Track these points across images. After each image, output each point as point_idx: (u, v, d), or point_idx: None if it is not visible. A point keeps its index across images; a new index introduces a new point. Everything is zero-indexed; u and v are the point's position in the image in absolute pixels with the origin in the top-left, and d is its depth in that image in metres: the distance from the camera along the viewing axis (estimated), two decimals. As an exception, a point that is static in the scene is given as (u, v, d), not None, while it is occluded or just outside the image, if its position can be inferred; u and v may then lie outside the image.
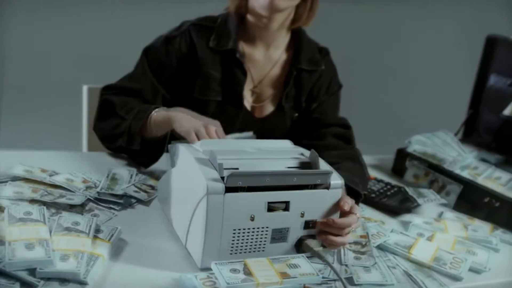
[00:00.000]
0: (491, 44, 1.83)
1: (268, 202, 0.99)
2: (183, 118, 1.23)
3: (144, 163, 1.36)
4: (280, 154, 1.10)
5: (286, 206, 1.01)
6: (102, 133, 1.40)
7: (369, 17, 3.05)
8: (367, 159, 1.44)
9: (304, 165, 1.09)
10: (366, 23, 3.07)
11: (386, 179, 1.57)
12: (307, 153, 1.12)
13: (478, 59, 1.85)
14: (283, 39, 1.50)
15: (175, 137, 1.25)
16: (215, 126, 1.21)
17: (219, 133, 1.20)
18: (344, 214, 1.07)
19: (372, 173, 1.59)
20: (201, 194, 0.95)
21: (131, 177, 1.28)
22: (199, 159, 1.01)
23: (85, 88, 1.70)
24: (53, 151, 1.40)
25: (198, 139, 1.15)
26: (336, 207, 1.06)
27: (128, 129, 1.31)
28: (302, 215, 1.03)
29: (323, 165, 1.09)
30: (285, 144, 1.18)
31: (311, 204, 1.03)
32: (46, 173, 1.22)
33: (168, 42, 1.44)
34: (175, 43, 1.44)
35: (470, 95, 1.88)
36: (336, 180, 1.06)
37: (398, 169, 1.66)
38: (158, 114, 1.29)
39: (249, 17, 1.45)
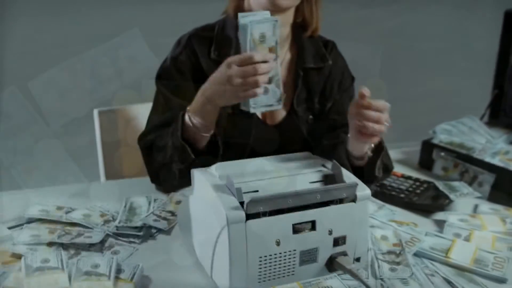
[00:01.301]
0: (511, 19, 1.75)
1: (293, 224, 0.94)
2: (214, 91, 1.18)
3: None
4: (301, 169, 1.05)
5: (312, 225, 0.95)
6: (155, 171, 1.33)
7: (382, 12, 2.99)
8: (391, 153, 1.37)
9: (327, 178, 1.03)
10: (381, 18, 3.00)
11: (414, 174, 1.50)
12: (329, 164, 1.07)
13: (498, 37, 1.77)
14: (285, 39, 1.45)
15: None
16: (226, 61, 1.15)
17: (239, 55, 1.14)
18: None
19: (399, 168, 1.52)
20: (222, 224, 0.90)
21: (149, 204, 1.24)
22: (216, 186, 0.96)
23: (95, 112, 1.66)
24: (68, 185, 1.36)
25: (244, 82, 1.10)
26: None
27: (172, 146, 1.24)
28: (330, 232, 0.97)
29: (348, 176, 1.03)
30: (305, 156, 1.12)
31: (338, 220, 0.98)
32: (62, 210, 1.18)
33: (176, 60, 1.40)
34: (182, 58, 1.40)
35: (493, 76, 1.80)
36: (363, 191, 1.00)
37: (425, 163, 1.58)
38: (192, 114, 1.23)
39: None
